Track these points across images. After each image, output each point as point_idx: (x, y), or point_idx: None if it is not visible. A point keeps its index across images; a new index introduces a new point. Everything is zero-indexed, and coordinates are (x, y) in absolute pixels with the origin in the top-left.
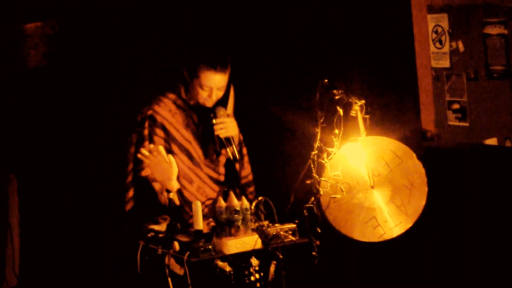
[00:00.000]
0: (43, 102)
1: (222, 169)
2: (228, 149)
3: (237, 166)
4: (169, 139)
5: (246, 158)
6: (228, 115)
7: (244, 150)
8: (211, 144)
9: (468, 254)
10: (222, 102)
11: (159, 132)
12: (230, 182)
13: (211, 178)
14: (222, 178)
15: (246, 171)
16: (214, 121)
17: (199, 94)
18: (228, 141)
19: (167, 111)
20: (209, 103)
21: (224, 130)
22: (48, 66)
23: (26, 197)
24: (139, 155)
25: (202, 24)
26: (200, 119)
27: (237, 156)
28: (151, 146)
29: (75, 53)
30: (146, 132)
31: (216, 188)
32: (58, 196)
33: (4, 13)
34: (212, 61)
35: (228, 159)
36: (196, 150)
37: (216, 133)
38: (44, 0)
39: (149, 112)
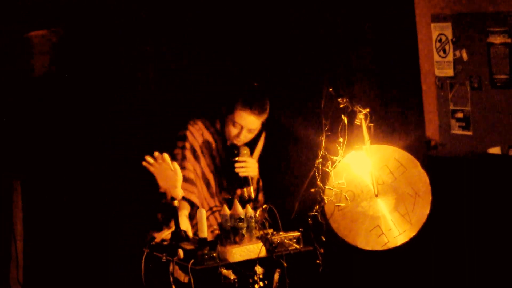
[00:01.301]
0: (48, 109)
1: None
2: (245, 189)
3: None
4: (195, 162)
5: (259, 204)
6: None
7: (260, 196)
8: (230, 179)
9: (471, 263)
10: (250, 145)
11: (188, 153)
12: None
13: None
14: None
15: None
16: (236, 158)
17: (230, 131)
18: (246, 180)
19: (199, 135)
20: (237, 142)
21: (244, 169)
22: (54, 74)
23: (30, 204)
24: (143, 163)
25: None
26: (226, 154)
27: (252, 196)
28: (156, 153)
29: (81, 60)
30: (179, 151)
31: None
32: (63, 203)
33: (10, 21)
34: (249, 101)
35: (240, 198)
36: (214, 181)
37: (236, 170)
38: (49, 7)
39: (183, 132)
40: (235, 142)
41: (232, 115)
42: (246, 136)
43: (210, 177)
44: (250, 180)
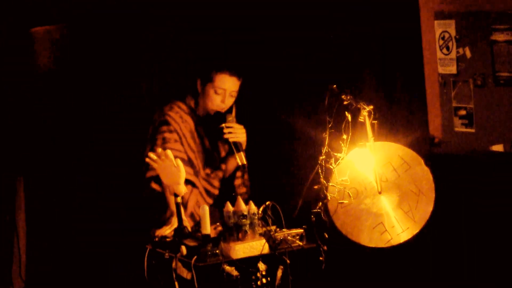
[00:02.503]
0: (51, 106)
1: (217, 183)
2: (236, 155)
3: (236, 182)
4: (180, 144)
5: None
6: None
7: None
8: (212, 156)
9: (473, 259)
10: (228, 111)
11: (176, 136)
12: (224, 197)
13: (206, 190)
14: (216, 192)
15: (242, 190)
16: (223, 125)
17: (212, 100)
18: (236, 146)
19: (178, 117)
20: (221, 110)
21: (234, 134)
22: (57, 70)
23: (32, 201)
24: (147, 159)
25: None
26: (206, 131)
27: (244, 162)
28: (159, 150)
29: (84, 57)
30: (161, 136)
31: (210, 200)
32: (65, 201)
33: (13, 17)
34: (227, 65)
35: (224, 177)
36: (197, 161)
37: (225, 136)
38: (52, 4)
39: (164, 117)
40: (219, 110)
41: (212, 83)
42: (229, 101)
43: (193, 156)
44: (240, 145)
